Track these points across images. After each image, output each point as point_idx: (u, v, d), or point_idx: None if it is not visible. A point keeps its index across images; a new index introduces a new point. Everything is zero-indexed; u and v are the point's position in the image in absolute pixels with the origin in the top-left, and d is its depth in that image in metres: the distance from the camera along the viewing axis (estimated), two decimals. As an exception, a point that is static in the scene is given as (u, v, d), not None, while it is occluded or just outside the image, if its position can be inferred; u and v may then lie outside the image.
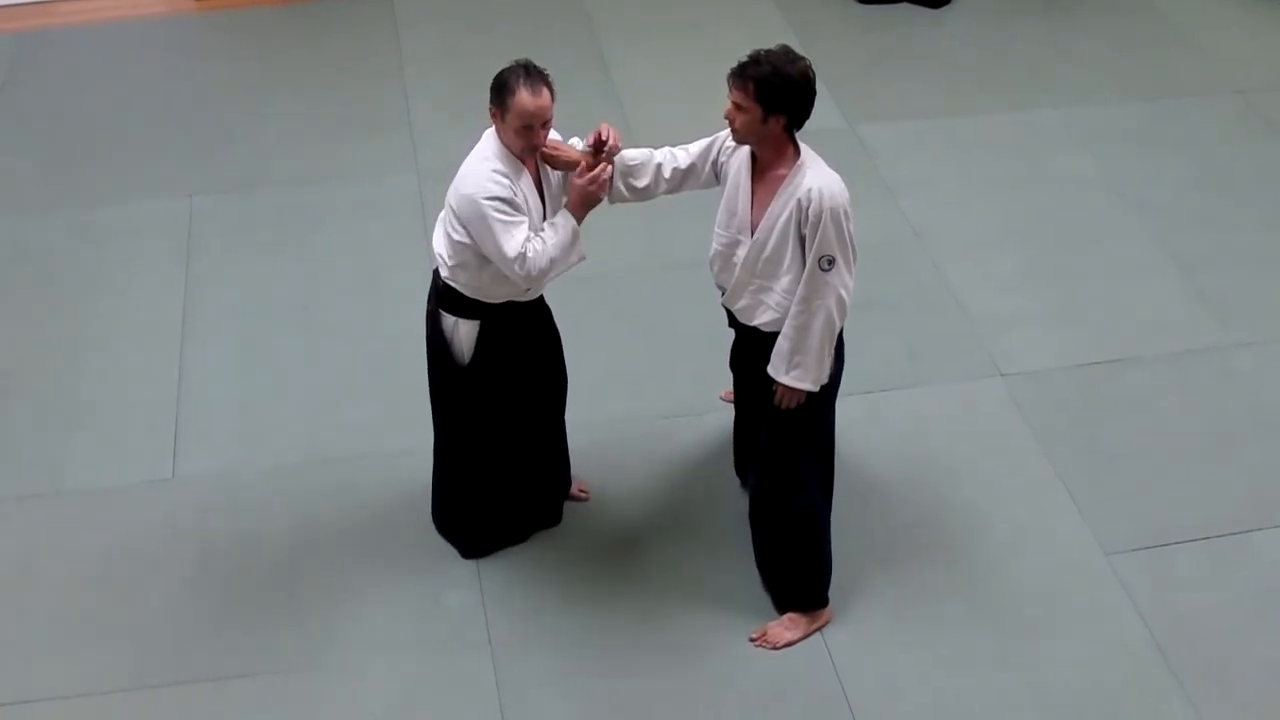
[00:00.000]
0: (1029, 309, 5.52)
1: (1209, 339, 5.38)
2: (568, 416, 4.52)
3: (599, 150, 3.96)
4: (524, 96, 3.73)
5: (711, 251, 4.07)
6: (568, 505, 4.64)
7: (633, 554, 4.54)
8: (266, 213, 6.10)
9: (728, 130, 3.87)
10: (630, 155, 4.02)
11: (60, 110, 6.82)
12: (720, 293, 4.11)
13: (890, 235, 5.88)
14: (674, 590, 4.41)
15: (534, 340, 4.22)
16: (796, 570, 4.25)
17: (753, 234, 3.89)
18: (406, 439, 4.82)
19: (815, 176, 3.76)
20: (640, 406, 5.07)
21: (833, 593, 4.31)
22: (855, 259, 3.83)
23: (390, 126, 6.63)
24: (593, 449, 4.74)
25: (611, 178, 3.99)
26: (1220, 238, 5.91)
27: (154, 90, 6.99)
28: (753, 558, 4.35)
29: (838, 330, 3.89)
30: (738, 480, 4.68)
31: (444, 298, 4.07)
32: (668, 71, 7.01)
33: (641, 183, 4.03)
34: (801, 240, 3.80)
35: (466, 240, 3.88)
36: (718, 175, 4.02)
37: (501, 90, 3.77)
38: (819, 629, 4.29)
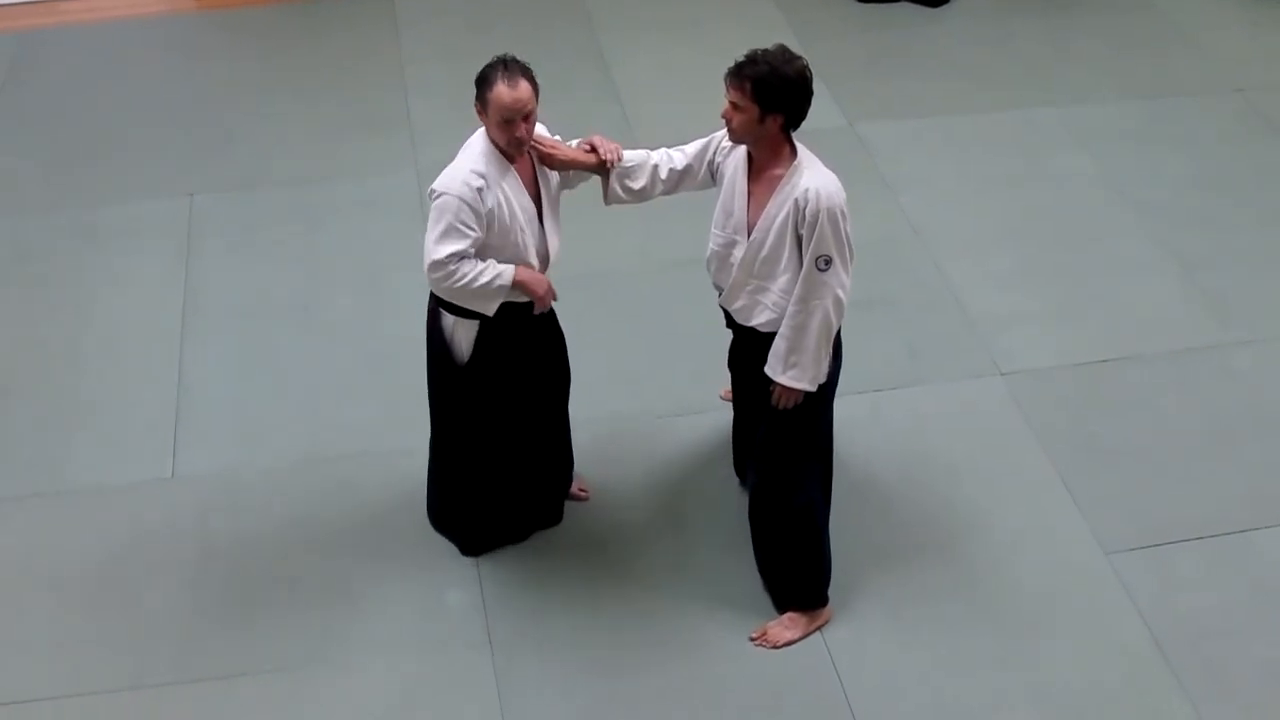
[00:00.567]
0: (1028, 307, 5.52)
1: (1208, 337, 5.38)
2: (569, 413, 4.52)
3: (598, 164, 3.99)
4: (501, 89, 3.73)
5: (708, 252, 4.07)
6: (568, 504, 4.64)
7: (632, 553, 4.54)
8: (267, 212, 6.10)
9: (724, 130, 3.87)
10: (626, 157, 4.02)
11: (60, 110, 6.82)
12: (717, 293, 4.11)
13: (890, 233, 5.88)
14: (674, 589, 4.42)
15: (534, 341, 4.21)
16: (796, 569, 4.26)
17: (749, 234, 3.89)
18: (407, 438, 4.82)
19: (812, 176, 3.76)
20: (639, 405, 5.07)
21: (832, 592, 4.31)
22: (852, 258, 3.83)
23: (390, 126, 6.63)
24: (592, 448, 4.74)
25: (608, 180, 4.00)
26: (1219, 236, 5.91)
27: (154, 90, 6.99)
28: (752, 557, 4.36)
29: (835, 330, 3.89)
30: (737, 479, 4.69)
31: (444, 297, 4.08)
32: (668, 70, 7.01)
33: (638, 184, 4.03)
34: (799, 240, 3.80)
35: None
36: (714, 176, 4.02)
37: (481, 85, 3.77)
38: (819, 628, 4.29)
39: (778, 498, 4.16)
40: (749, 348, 4.08)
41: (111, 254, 5.85)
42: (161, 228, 6.00)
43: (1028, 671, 4.18)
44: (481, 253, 3.90)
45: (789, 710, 4.08)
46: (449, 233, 3.81)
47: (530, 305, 4.06)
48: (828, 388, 4.01)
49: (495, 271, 3.89)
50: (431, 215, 3.84)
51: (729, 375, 4.48)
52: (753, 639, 4.26)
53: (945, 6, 7.59)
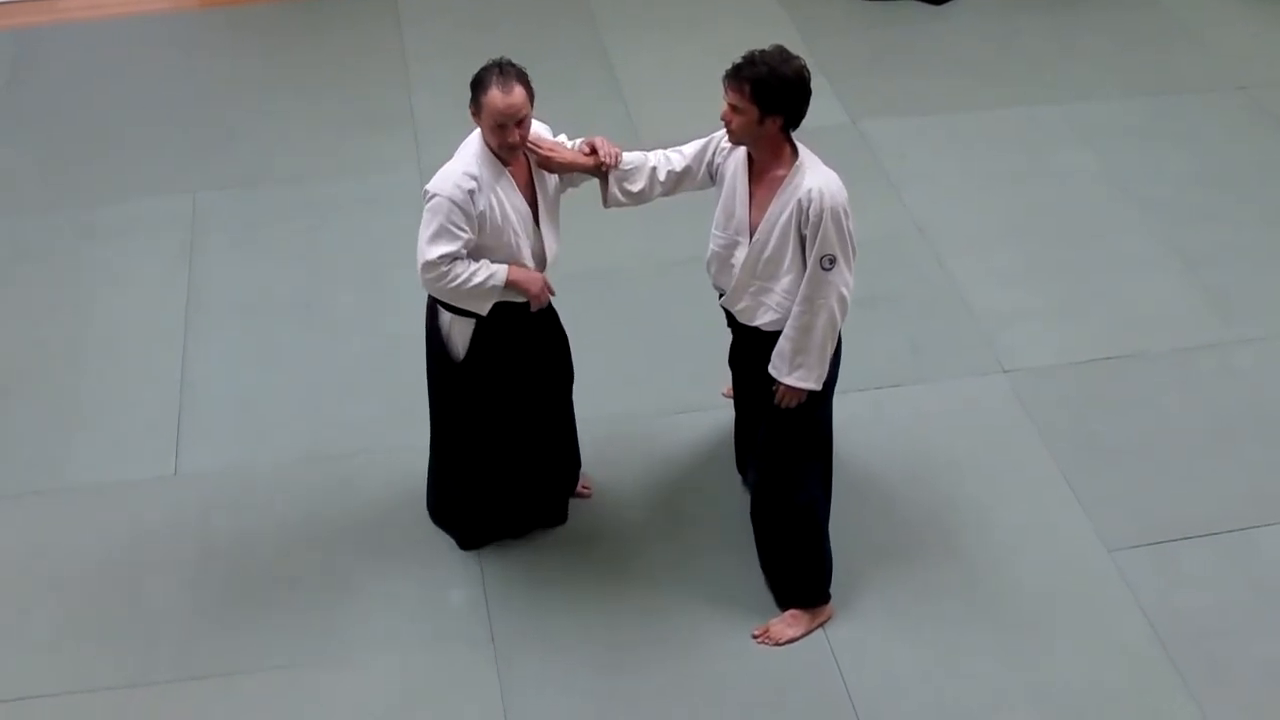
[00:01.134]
0: (1031, 304, 5.51)
1: (1211, 335, 5.37)
2: (574, 412, 4.52)
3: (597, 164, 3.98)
4: (495, 94, 3.72)
5: (708, 253, 4.06)
6: (570, 502, 4.63)
7: (635, 551, 4.54)
8: (269, 210, 6.10)
9: (723, 131, 3.86)
10: (624, 159, 4.01)
11: (62, 107, 6.82)
12: (718, 294, 4.11)
13: (893, 231, 5.87)
14: (676, 587, 4.41)
15: (532, 339, 4.20)
16: (798, 567, 4.25)
17: (752, 236, 3.88)
18: (409, 436, 4.81)
19: (814, 176, 3.76)
20: (641, 404, 5.07)
21: (834, 589, 4.30)
22: (855, 256, 3.83)
23: (393, 123, 6.62)
24: (593, 446, 4.74)
25: (606, 183, 3.99)
26: (1223, 233, 5.90)
27: (156, 87, 6.99)
28: (754, 555, 4.35)
29: (839, 329, 3.89)
30: (739, 477, 4.68)
31: None
32: (671, 68, 7.00)
33: (636, 186, 4.02)
34: (802, 240, 3.79)
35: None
36: (713, 176, 4.02)
37: (476, 88, 3.77)
38: (821, 625, 4.29)
39: (779, 496, 4.15)
40: (751, 347, 4.07)
41: (112, 252, 5.85)
42: (163, 226, 6.00)
43: (1029, 669, 4.18)
44: (475, 253, 3.90)
45: (791, 707, 4.08)
46: (440, 234, 3.82)
47: (527, 304, 4.06)
48: (828, 385, 4.00)
49: (488, 272, 3.89)
50: (424, 216, 3.86)
51: (730, 373, 4.48)
52: (755, 636, 4.26)
53: (948, 3, 7.58)
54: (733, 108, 3.73)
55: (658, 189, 4.04)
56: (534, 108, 3.83)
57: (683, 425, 4.96)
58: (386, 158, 6.39)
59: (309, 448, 4.92)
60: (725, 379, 4.60)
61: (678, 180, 4.04)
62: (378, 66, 7.08)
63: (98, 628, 4.32)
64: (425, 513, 4.60)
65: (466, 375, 4.15)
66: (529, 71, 3.83)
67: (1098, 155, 6.37)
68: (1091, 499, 4.69)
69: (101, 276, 5.73)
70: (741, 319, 4.05)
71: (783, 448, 4.09)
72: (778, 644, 4.24)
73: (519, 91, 3.74)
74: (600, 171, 3.99)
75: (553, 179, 4.02)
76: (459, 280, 3.86)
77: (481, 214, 3.84)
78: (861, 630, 4.29)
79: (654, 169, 4.01)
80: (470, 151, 3.86)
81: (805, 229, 3.77)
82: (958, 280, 5.63)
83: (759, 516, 4.28)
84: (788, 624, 4.27)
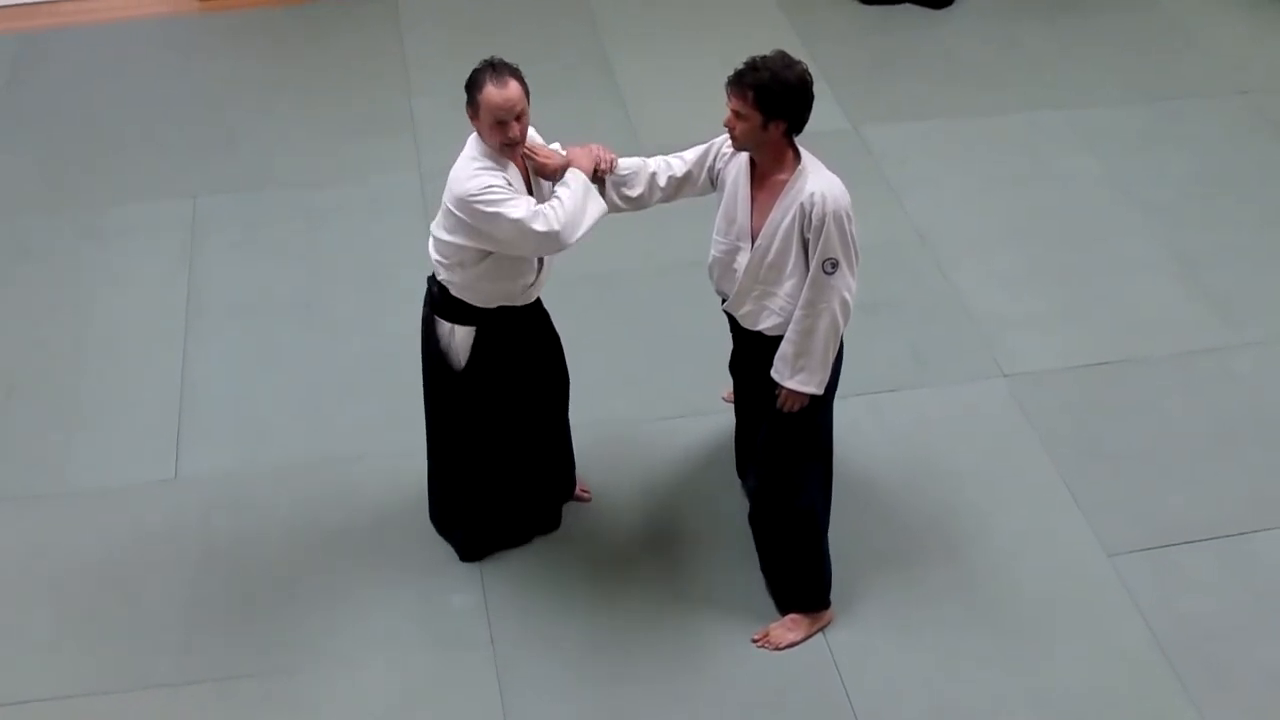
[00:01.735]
0: (1032, 309, 5.51)
1: (1213, 339, 5.37)
2: (569, 418, 4.51)
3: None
4: (491, 91, 3.72)
5: (710, 259, 4.06)
6: (570, 507, 4.63)
7: (634, 555, 4.54)
8: (270, 213, 6.10)
9: (724, 136, 3.86)
10: (622, 165, 4.00)
11: (63, 110, 6.83)
12: (720, 299, 4.10)
13: (894, 236, 5.87)
14: (676, 591, 4.41)
15: (530, 345, 4.21)
16: (798, 572, 4.25)
17: (754, 241, 3.88)
18: (409, 438, 4.80)
19: (817, 181, 3.76)
20: (641, 407, 5.06)
21: (834, 594, 4.30)
22: (858, 260, 3.83)
23: (393, 127, 6.63)
24: (593, 450, 4.74)
25: (604, 189, 3.98)
26: (1224, 237, 5.90)
27: (157, 90, 6.99)
28: (754, 559, 4.35)
29: (841, 333, 3.89)
30: (739, 482, 4.68)
31: (439, 304, 4.07)
32: (671, 73, 7.00)
33: (634, 192, 4.01)
34: (804, 245, 3.79)
35: (462, 242, 3.87)
36: (714, 182, 4.01)
37: (471, 89, 3.77)
38: (821, 630, 4.29)
39: (779, 500, 4.15)
40: (753, 352, 4.07)
41: (113, 254, 5.86)
42: (163, 228, 6.00)
43: (1029, 674, 4.17)
44: (482, 254, 3.88)
45: (791, 711, 4.08)
46: (508, 204, 3.75)
47: (525, 308, 4.08)
48: (829, 390, 4.00)
49: (569, 183, 3.82)
50: (491, 213, 3.76)
51: (730, 378, 4.47)
52: (755, 640, 4.26)
53: (949, 8, 7.59)
54: (736, 114, 3.73)
55: (657, 194, 4.04)
56: (533, 111, 3.83)
57: (682, 429, 4.96)
58: (387, 161, 6.39)
59: (309, 449, 4.92)
60: (725, 383, 4.59)
61: (678, 186, 4.03)
62: (378, 70, 7.08)
63: (97, 630, 4.32)
64: (425, 515, 4.59)
65: (468, 384, 4.14)
66: (528, 75, 3.83)
67: (1099, 159, 6.37)
68: (1091, 503, 4.69)
69: (102, 278, 5.73)
70: (744, 324, 4.04)
71: (783, 452, 4.08)
72: (778, 648, 4.24)
73: (514, 86, 3.74)
74: (597, 177, 3.98)
75: (548, 184, 4.02)
76: (565, 206, 3.77)
77: None
78: (861, 635, 4.29)
79: (653, 174, 4.01)
80: (475, 153, 3.84)
81: (808, 233, 3.76)
82: (958, 285, 5.63)
83: (759, 521, 4.27)
84: (787, 628, 4.27)
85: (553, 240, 3.77)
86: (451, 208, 3.84)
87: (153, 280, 5.72)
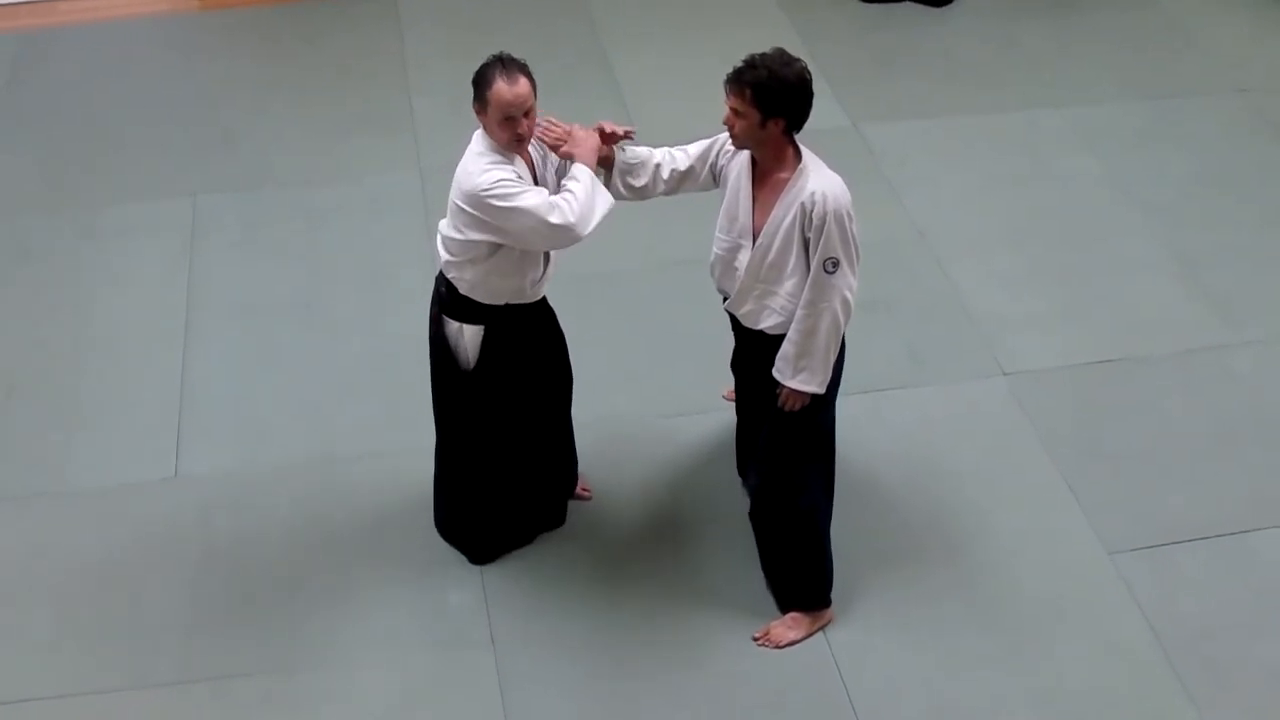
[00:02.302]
0: (1033, 308, 5.51)
1: (1213, 338, 5.37)
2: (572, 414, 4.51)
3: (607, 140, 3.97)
4: (501, 87, 3.71)
5: (712, 257, 4.06)
6: (571, 505, 4.63)
7: (635, 553, 4.54)
8: (269, 212, 6.10)
9: (727, 133, 3.86)
10: (630, 152, 4.01)
11: (62, 110, 6.82)
12: (722, 298, 4.10)
13: (894, 235, 5.87)
14: (677, 589, 4.41)
15: (538, 343, 4.21)
16: (799, 570, 4.25)
17: (755, 239, 3.88)
18: (409, 438, 4.81)
19: (818, 180, 3.75)
20: (642, 406, 5.06)
21: (835, 593, 4.30)
22: (859, 259, 3.83)
23: (393, 126, 6.62)
24: (595, 448, 4.74)
25: (610, 176, 3.99)
26: (1224, 237, 5.90)
27: (157, 90, 6.99)
28: (755, 557, 4.35)
29: (843, 332, 3.89)
30: (739, 480, 4.68)
31: (447, 304, 4.06)
32: (671, 71, 7.00)
33: (639, 182, 4.02)
34: (805, 244, 3.79)
35: (474, 237, 3.87)
36: (716, 178, 4.02)
37: (479, 84, 3.76)
38: (821, 628, 4.29)
39: (780, 499, 4.15)
40: (755, 350, 4.07)
41: (112, 253, 5.85)
42: (163, 227, 6.00)
43: (1029, 673, 4.17)
44: (490, 248, 3.88)
45: (791, 710, 4.08)
46: (522, 196, 3.74)
47: (532, 306, 4.07)
48: (831, 389, 4.00)
49: (576, 177, 3.82)
50: (505, 208, 3.75)
51: (731, 377, 4.47)
52: (755, 639, 4.26)
53: (949, 7, 7.59)
54: (734, 112, 3.73)
55: (660, 186, 4.04)
56: (537, 101, 3.83)
57: (684, 427, 4.96)
58: (386, 160, 6.39)
59: (309, 449, 4.92)
60: (726, 381, 4.60)
61: (680, 179, 4.04)
62: (378, 69, 7.08)
63: (97, 630, 4.32)
64: (426, 515, 4.59)
65: (476, 383, 4.14)
66: (528, 72, 3.84)
67: (1099, 159, 6.37)
68: (1092, 502, 4.69)
69: (101, 278, 5.73)
70: (746, 323, 4.04)
71: (785, 451, 4.08)
72: (778, 647, 4.24)
73: (524, 82, 3.74)
74: (606, 163, 3.98)
75: (554, 178, 4.02)
76: (577, 198, 3.77)
77: None
78: (862, 633, 4.29)
79: (658, 166, 4.01)
80: (482, 148, 3.84)
81: (809, 232, 3.76)
82: (958, 284, 5.63)
83: (760, 519, 4.27)
84: (788, 627, 4.27)
85: (568, 233, 3.77)
86: (461, 204, 3.84)
87: (152, 280, 5.72)
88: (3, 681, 4.17)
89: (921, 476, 4.79)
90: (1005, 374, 5.20)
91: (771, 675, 4.17)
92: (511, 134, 3.77)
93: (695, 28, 7.38)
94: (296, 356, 5.33)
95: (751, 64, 3.69)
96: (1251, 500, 4.71)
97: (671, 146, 4.07)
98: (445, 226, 3.98)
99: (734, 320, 4.13)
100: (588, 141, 3.91)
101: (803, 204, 3.74)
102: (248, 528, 4.64)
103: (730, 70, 3.72)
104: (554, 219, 3.73)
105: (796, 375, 3.90)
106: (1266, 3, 7.58)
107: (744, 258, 3.92)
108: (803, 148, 3.84)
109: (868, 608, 4.35)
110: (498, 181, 3.75)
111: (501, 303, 4.02)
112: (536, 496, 4.47)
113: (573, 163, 3.90)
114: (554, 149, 3.96)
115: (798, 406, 3.96)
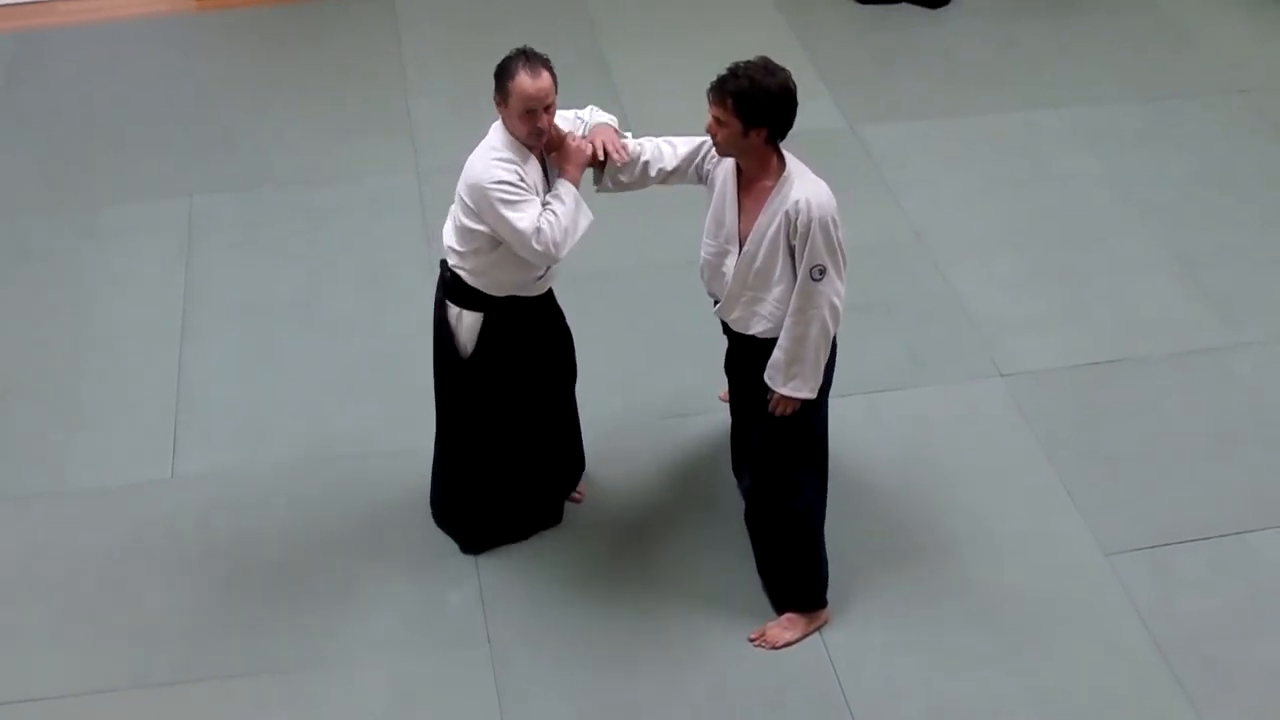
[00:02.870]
0: (1031, 309, 5.51)
1: (1212, 338, 5.37)
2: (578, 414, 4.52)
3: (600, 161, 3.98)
4: (524, 79, 3.73)
5: (701, 260, 4.06)
6: (566, 505, 4.63)
7: (631, 553, 4.54)
8: (267, 212, 6.10)
9: None
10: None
11: (61, 110, 6.82)
12: (713, 301, 4.11)
13: (891, 236, 5.86)
14: (673, 590, 4.41)
15: (539, 335, 4.21)
16: (794, 571, 4.25)
17: (741, 245, 3.88)
18: (408, 438, 4.82)
19: (802, 187, 3.75)
20: (638, 406, 5.07)
21: (831, 593, 4.30)
22: (845, 264, 3.82)
23: (391, 127, 6.62)
24: (591, 448, 4.73)
25: (603, 169, 3.99)
26: (1224, 236, 5.90)
27: (155, 90, 6.99)
28: (751, 557, 4.35)
29: (832, 337, 3.89)
30: (735, 481, 4.68)
31: (450, 289, 4.08)
32: (668, 73, 7.00)
33: (627, 177, 4.03)
34: (791, 251, 3.79)
35: (475, 227, 3.88)
36: (703, 179, 4.02)
37: (502, 76, 3.77)
38: (817, 629, 4.29)
39: (775, 501, 4.15)
40: (746, 354, 4.07)
41: (111, 253, 5.86)
42: (162, 227, 6.00)
43: (1027, 674, 4.17)
44: (498, 246, 3.89)
45: (788, 710, 4.08)
46: (516, 208, 3.78)
47: (536, 300, 4.09)
48: (823, 391, 4.00)
49: (560, 195, 3.87)
50: (491, 213, 3.80)
51: (725, 377, 4.48)
52: (752, 639, 4.26)
53: (946, 8, 7.58)
54: (717, 120, 3.72)
55: (649, 183, 4.06)
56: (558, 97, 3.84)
57: (679, 428, 4.96)
58: (384, 160, 6.39)
59: (308, 449, 4.92)
60: (722, 382, 4.59)
61: (667, 177, 4.05)
62: (376, 70, 7.08)
63: (96, 630, 4.32)
64: (424, 514, 4.60)
65: (474, 371, 4.15)
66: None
67: (1098, 159, 6.37)
68: (1089, 503, 4.69)
69: (100, 277, 5.73)
70: (736, 327, 4.05)
71: (778, 453, 4.09)
72: (774, 647, 4.24)
73: (546, 76, 3.76)
74: (597, 161, 3.98)
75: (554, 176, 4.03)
76: (559, 223, 3.82)
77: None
78: (858, 634, 4.29)
79: (646, 164, 4.02)
80: (497, 142, 3.86)
81: (794, 240, 3.76)
82: (956, 285, 5.63)
83: (754, 521, 4.28)
84: (784, 627, 4.27)
85: (546, 259, 3.87)
86: (463, 194, 3.87)
87: (151, 280, 5.72)
88: (3, 681, 4.17)
89: (920, 477, 4.80)
90: (1003, 375, 5.20)
91: (768, 676, 4.17)
92: (531, 127, 3.78)
93: (693, 29, 7.38)
94: (296, 356, 5.33)
95: (734, 73, 3.68)
96: (1251, 500, 4.71)
97: (663, 138, 4.06)
98: (450, 217, 4.01)
99: (725, 323, 4.13)
100: (578, 157, 3.94)
101: (787, 212, 3.74)
102: (247, 527, 4.64)
103: (714, 79, 3.72)
104: (535, 245, 3.80)
105: (788, 382, 3.90)
106: (1266, 3, 7.58)
107: (731, 262, 3.92)
108: (787, 154, 3.83)
109: (865, 608, 4.35)
110: (499, 182, 3.77)
111: (505, 294, 4.03)
112: (534, 490, 4.47)
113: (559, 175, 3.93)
114: (545, 149, 3.97)
115: (789, 411, 3.96)
